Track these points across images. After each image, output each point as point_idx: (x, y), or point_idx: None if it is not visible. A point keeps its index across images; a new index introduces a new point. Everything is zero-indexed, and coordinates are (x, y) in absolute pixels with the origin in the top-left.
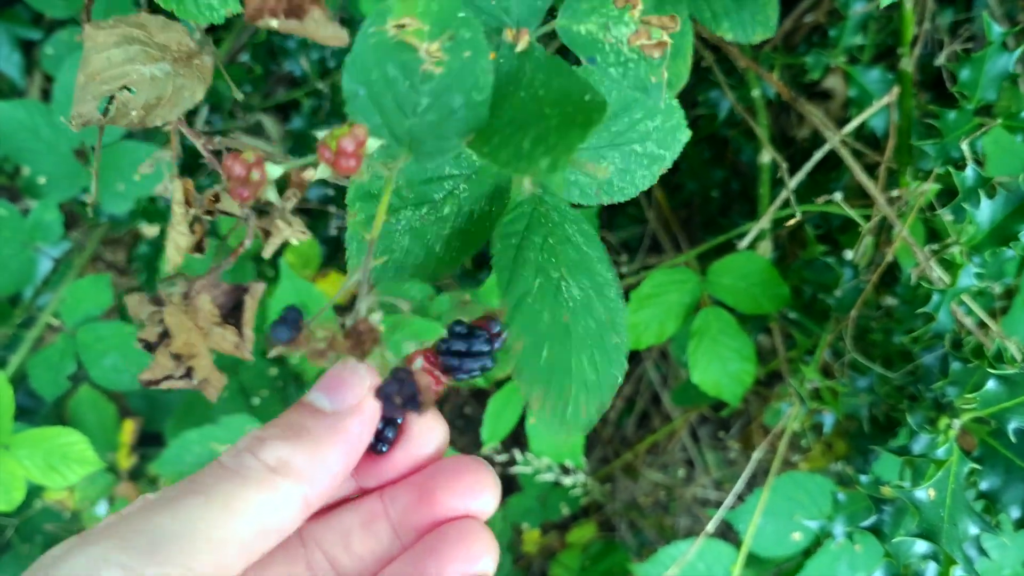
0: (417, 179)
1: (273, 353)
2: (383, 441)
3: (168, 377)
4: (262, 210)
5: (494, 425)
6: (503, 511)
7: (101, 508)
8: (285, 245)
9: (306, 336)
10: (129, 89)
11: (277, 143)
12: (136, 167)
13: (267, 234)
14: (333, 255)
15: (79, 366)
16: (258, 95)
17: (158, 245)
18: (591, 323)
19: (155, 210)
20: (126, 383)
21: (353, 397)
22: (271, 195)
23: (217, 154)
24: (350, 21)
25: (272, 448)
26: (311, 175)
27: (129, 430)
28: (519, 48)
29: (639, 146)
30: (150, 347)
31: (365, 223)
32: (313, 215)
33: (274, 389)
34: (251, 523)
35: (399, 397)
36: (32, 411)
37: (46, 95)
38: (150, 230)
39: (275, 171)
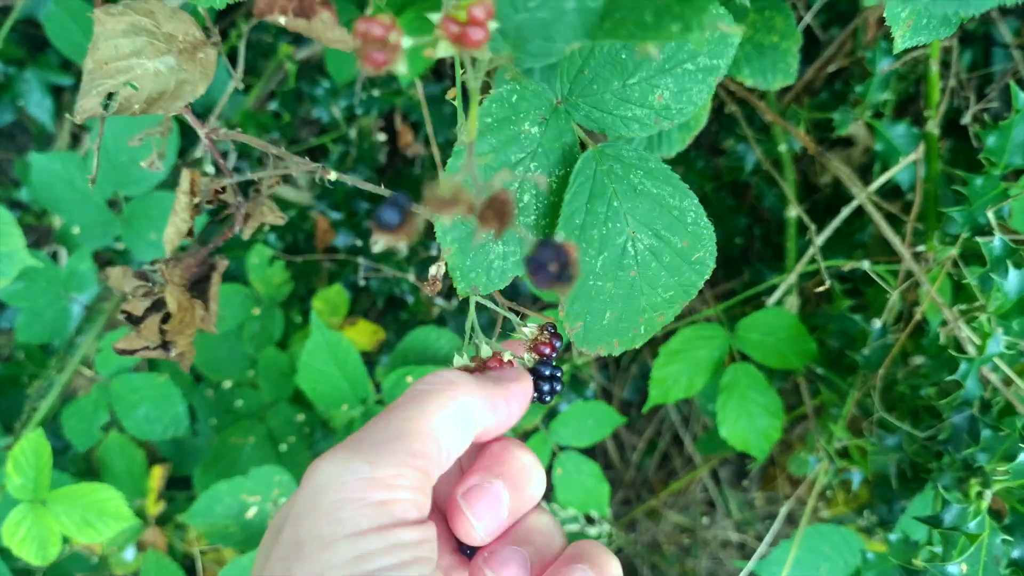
0: (494, 175)
1: (379, 245)
2: (545, 394)
3: (145, 348)
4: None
5: None
6: None
7: (129, 554)
8: (312, 291)
9: (414, 224)
10: (132, 85)
11: (304, 189)
12: (168, 217)
13: (247, 217)
14: (357, 302)
15: (111, 416)
16: (286, 141)
17: None
18: (665, 258)
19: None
20: (159, 433)
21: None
22: (401, 66)
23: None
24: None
25: (447, 372)
26: (431, 53)
27: (157, 476)
28: None
29: (691, 64)
30: (133, 320)
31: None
32: (340, 263)
33: (301, 435)
34: (446, 419)
35: (555, 264)
36: (61, 453)
37: (76, 139)
38: None
39: (407, 41)
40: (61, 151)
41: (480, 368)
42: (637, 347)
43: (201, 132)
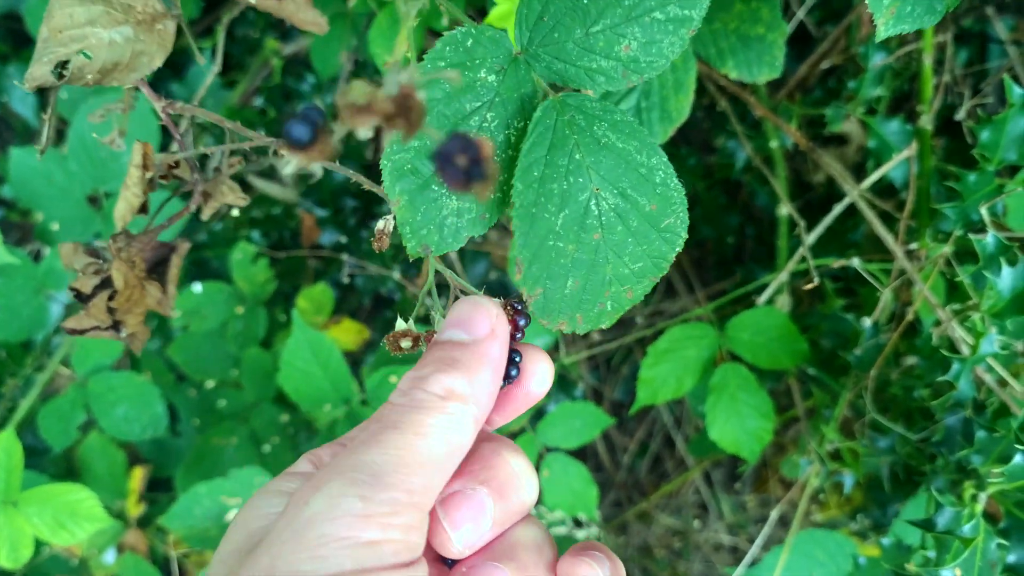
0: (448, 125)
1: (289, 167)
2: (507, 378)
3: (96, 328)
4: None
5: None
6: None
7: (109, 556)
8: (297, 290)
9: (327, 140)
10: (85, 54)
11: (290, 186)
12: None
13: (207, 196)
14: (345, 301)
15: (88, 416)
16: (271, 137)
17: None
18: (632, 222)
19: None
20: (137, 434)
21: (486, 325)
22: None
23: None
24: (364, 64)
25: (436, 381)
26: None
27: (138, 477)
28: None
29: (659, 12)
30: (82, 297)
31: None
32: (325, 261)
33: (285, 436)
34: (441, 444)
35: (463, 158)
36: (40, 453)
37: (60, 135)
38: None
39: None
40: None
41: (430, 339)
42: (604, 327)
43: (157, 106)
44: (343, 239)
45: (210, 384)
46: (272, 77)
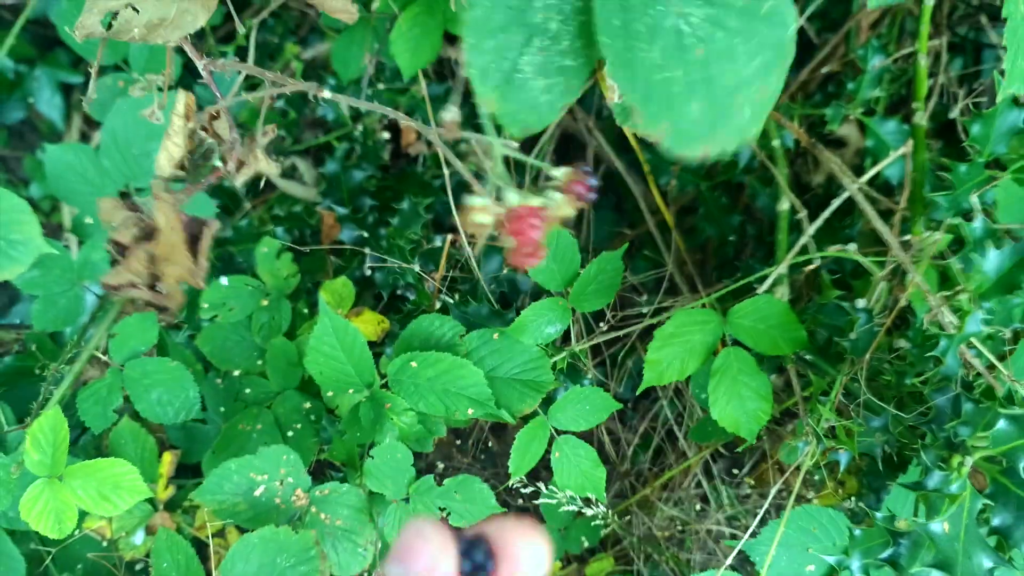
0: (512, 19)
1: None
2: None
3: (132, 285)
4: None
5: (520, 459)
6: None
7: (138, 537)
8: (318, 284)
9: None
10: (134, 7)
11: (311, 185)
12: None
13: (241, 164)
14: (362, 294)
15: (125, 400)
16: (292, 139)
17: (193, 290)
18: (731, 23)
19: None
20: (171, 417)
21: (425, 561)
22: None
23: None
24: (383, 66)
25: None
26: None
27: (167, 462)
28: None
29: None
30: (122, 249)
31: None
32: (345, 257)
33: (307, 422)
34: None
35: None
36: (72, 441)
37: (84, 137)
38: None
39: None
40: (73, 143)
41: (508, 216)
42: (754, 131)
43: (200, 63)
44: (364, 234)
45: (235, 373)
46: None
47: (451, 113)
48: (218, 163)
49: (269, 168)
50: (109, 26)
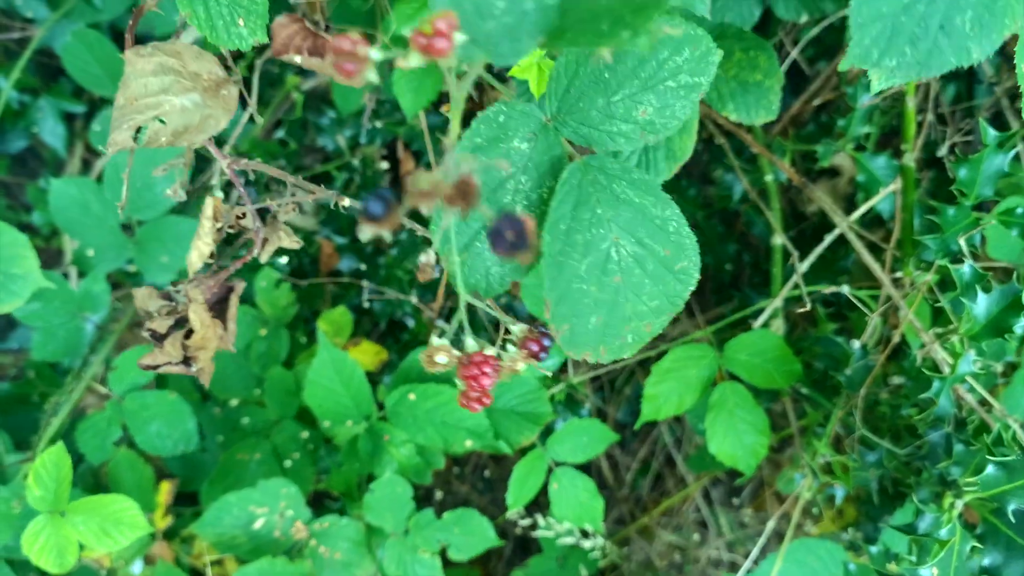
0: (487, 191)
1: (365, 234)
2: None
3: (168, 363)
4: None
5: (519, 491)
6: (524, 571)
7: (136, 567)
8: (316, 313)
9: (396, 215)
10: (161, 120)
11: (310, 214)
12: (179, 240)
13: (264, 242)
14: (360, 324)
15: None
16: (291, 168)
17: None
18: (649, 266)
19: None
20: (169, 449)
21: None
22: (372, 75)
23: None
24: (384, 102)
25: None
26: (403, 63)
27: (165, 491)
28: None
29: (672, 81)
30: (158, 337)
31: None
32: (343, 286)
33: (305, 452)
34: None
35: (511, 233)
36: None
37: (86, 165)
38: None
39: (375, 54)
40: (77, 176)
41: (464, 362)
42: (625, 357)
43: (224, 163)
44: (362, 266)
45: (234, 402)
46: (294, 111)
47: (428, 257)
48: (243, 252)
49: (292, 243)
50: (135, 139)
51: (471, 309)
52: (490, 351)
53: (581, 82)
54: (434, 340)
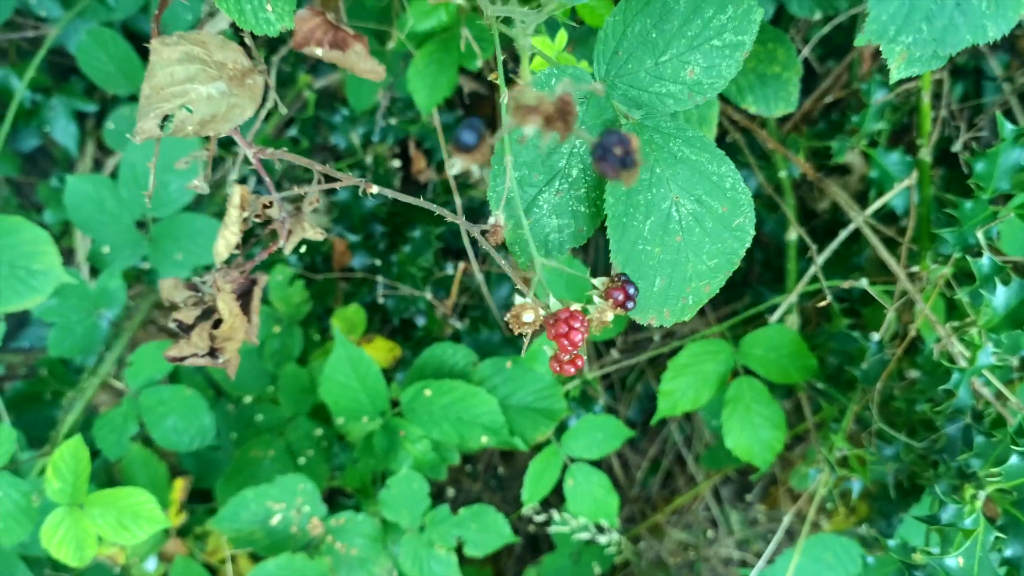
0: (540, 159)
1: (455, 167)
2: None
3: (194, 355)
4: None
5: (534, 486)
6: (537, 569)
7: (151, 564)
8: (329, 311)
9: (487, 146)
10: (188, 108)
11: (322, 212)
12: (193, 238)
13: (289, 233)
14: (371, 321)
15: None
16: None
17: None
18: (708, 224)
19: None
20: (185, 444)
21: None
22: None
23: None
24: (397, 100)
25: None
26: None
27: (179, 488)
28: None
29: (717, 40)
30: (183, 327)
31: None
32: (356, 283)
33: (319, 449)
34: None
35: (619, 148)
36: None
37: (98, 164)
38: None
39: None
40: (92, 174)
41: (551, 320)
42: (686, 319)
43: (250, 152)
44: (376, 262)
45: (248, 400)
46: (306, 109)
47: (498, 218)
48: (256, 250)
49: (316, 234)
50: (163, 127)
51: (483, 306)
52: (575, 305)
53: (629, 43)
54: (518, 299)
